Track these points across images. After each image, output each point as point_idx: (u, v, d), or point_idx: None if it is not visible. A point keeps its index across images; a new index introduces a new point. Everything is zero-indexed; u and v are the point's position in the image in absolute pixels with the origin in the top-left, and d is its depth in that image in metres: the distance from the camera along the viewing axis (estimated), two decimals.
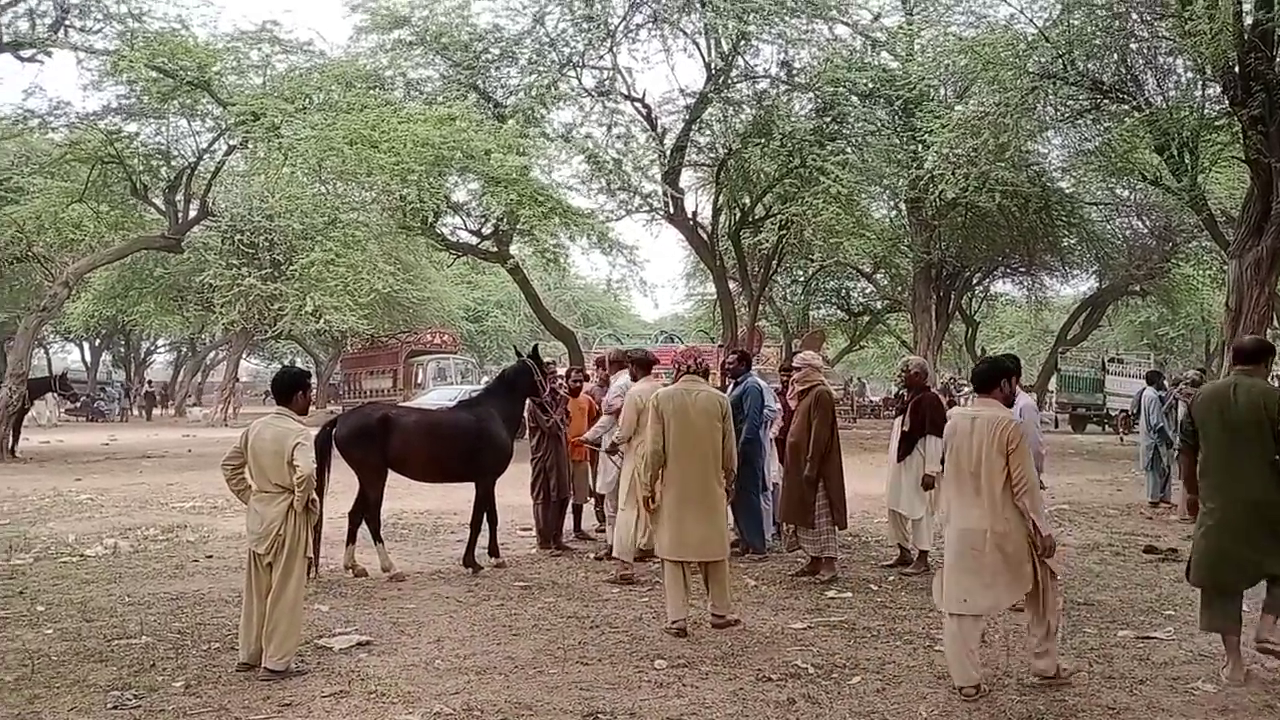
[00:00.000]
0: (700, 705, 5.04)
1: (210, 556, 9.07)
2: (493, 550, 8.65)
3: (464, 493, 8.84)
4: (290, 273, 28.51)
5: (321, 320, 27.84)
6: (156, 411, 41.77)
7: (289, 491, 5.56)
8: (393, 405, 10.28)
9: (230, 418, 35.96)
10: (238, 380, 42.28)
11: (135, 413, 41.40)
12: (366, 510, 8.36)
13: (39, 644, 6.02)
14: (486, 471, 8.55)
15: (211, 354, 47.38)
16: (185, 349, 48.64)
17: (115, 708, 4.93)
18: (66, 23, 18.72)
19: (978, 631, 5.38)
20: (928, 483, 8.53)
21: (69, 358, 52.01)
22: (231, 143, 21.15)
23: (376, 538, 8.27)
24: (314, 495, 5.67)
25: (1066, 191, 24.35)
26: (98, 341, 46.91)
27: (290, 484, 5.54)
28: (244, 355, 42.57)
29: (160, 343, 53.26)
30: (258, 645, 5.52)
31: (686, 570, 6.52)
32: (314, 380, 7.58)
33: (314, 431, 5.83)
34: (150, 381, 47.39)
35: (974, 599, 5.26)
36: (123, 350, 48.94)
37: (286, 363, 68.36)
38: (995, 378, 5.61)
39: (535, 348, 9.48)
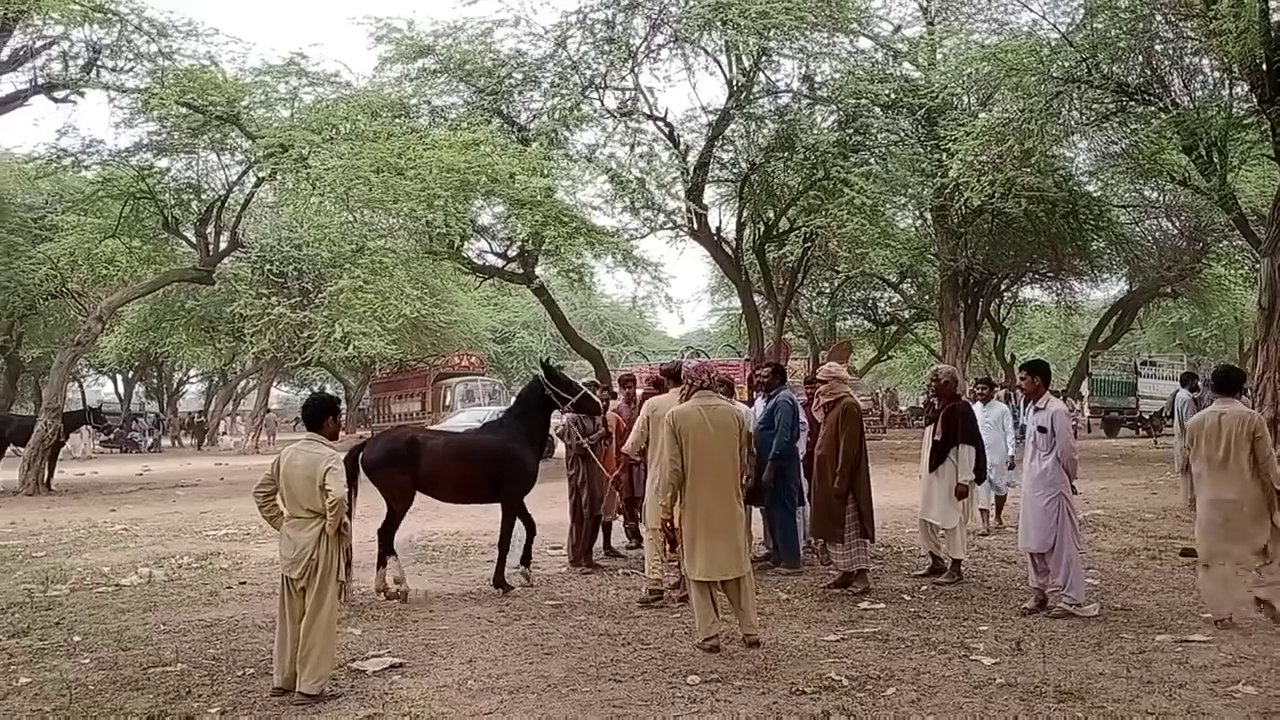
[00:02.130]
0: (734, 719, 5.01)
1: (244, 583, 9.13)
2: (524, 558, 8.66)
3: (494, 514, 8.85)
4: (319, 300, 28.85)
5: (350, 346, 28.08)
6: (188, 441, 42.22)
7: (321, 516, 5.60)
8: (419, 429, 10.33)
9: (263, 445, 36.28)
10: (269, 410, 42.67)
11: (170, 443, 41.84)
12: (389, 531, 8.40)
13: (76, 674, 6.08)
14: (511, 492, 8.59)
15: (243, 383, 47.86)
16: (217, 379, 49.17)
17: None
18: (98, 63, 19.06)
19: (1229, 574, 6.80)
20: (961, 492, 8.46)
21: (102, 390, 52.75)
22: (260, 175, 21.41)
23: (382, 561, 8.25)
24: (346, 519, 5.70)
25: (1094, 195, 24.17)
26: (131, 374, 47.54)
27: (322, 509, 5.58)
28: (274, 383, 42.93)
29: (192, 373, 53.89)
30: (292, 670, 5.54)
31: (714, 588, 6.48)
32: (343, 406, 7.60)
33: (340, 456, 5.85)
34: (199, 413, 47.71)
35: (1225, 550, 6.79)
36: (155, 382, 49.55)
37: (316, 390, 68.96)
38: (1236, 383, 7.23)
39: (545, 361, 9.44)
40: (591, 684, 5.70)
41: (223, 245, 23.08)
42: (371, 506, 8.66)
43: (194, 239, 22.74)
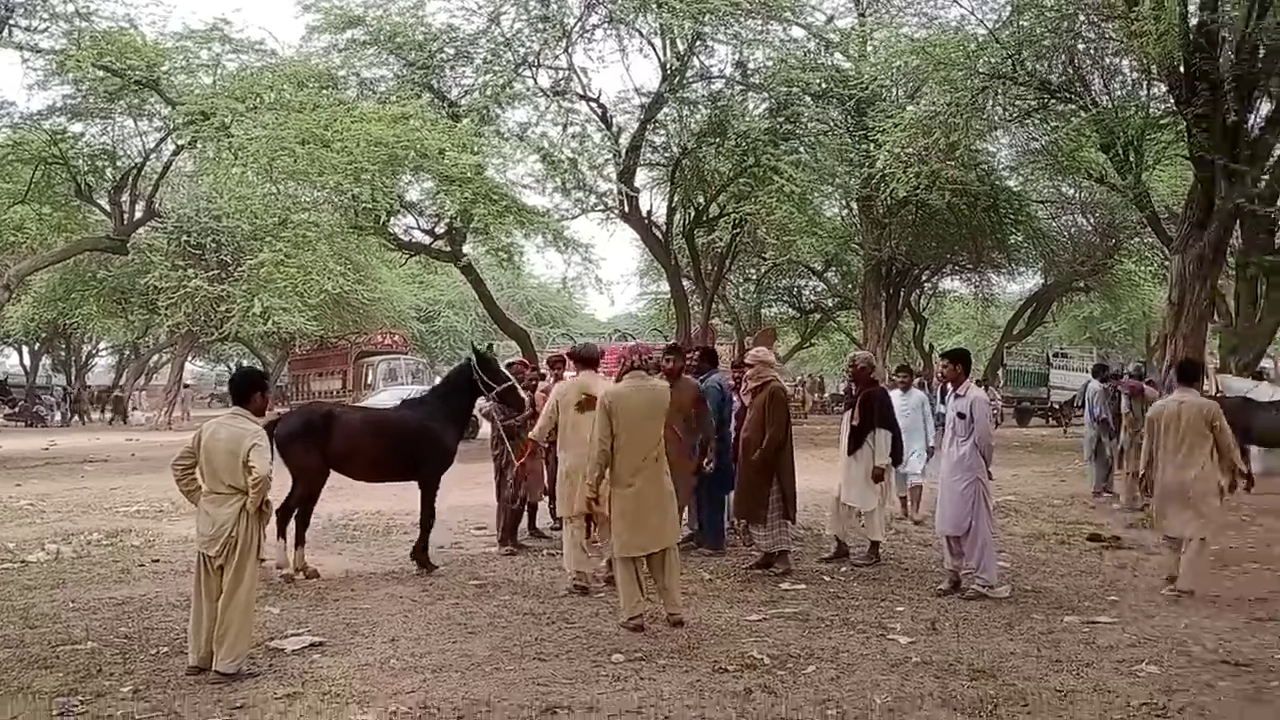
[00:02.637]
0: (658, 697, 5.05)
1: (156, 561, 8.91)
2: (416, 552, 8.38)
3: (415, 493, 8.64)
4: (238, 274, 28.15)
5: (270, 322, 27.53)
6: (98, 416, 40.93)
7: (242, 493, 5.47)
8: (337, 404, 10.07)
9: (177, 421, 35.33)
10: (187, 385, 41.55)
11: (78, 418, 40.50)
12: (291, 508, 8.21)
13: None
14: (429, 471, 8.45)
15: (155, 357, 46.51)
16: (128, 352, 47.70)
17: (61, 714, 4.84)
18: (11, 21, 18.30)
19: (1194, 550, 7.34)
20: (878, 475, 8.63)
21: (8, 362, 50.83)
22: (180, 142, 20.80)
23: (281, 533, 8.07)
24: (268, 498, 5.57)
25: (1014, 190, 24.75)
26: (37, 345, 45.83)
27: (244, 485, 5.45)
28: (189, 358, 41.80)
29: (102, 346, 52.20)
30: (208, 648, 5.43)
31: (640, 567, 6.53)
32: (268, 381, 7.26)
33: (265, 432, 5.71)
34: (119, 387, 46.13)
35: (1179, 527, 7.39)
36: (63, 354, 47.87)
37: (233, 365, 67.26)
38: (1195, 374, 7.83)
39: (490, 346, 9.36)
40: (516, 663, 5.70)
41: (138, 214, 22.41)
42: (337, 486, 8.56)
43: (108, 207, 22.03)
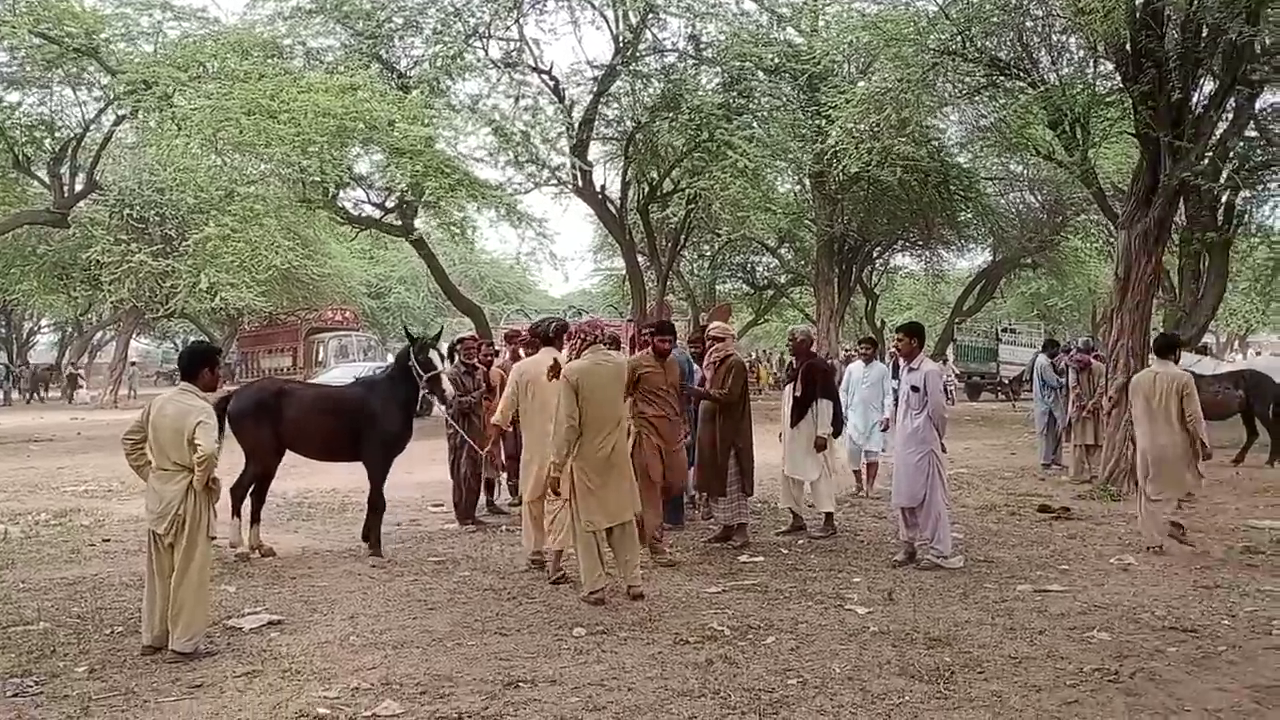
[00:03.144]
0: (620, 670, 5.08)
1: (107, 540, 8.77)
2: (365, 534, 8.23)
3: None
4: (184, 249, 27.56)
5: (217, 298, 27.02)
6: (47, 394, 40.04)
7: (189, 470, 5.38)
8: (290, 381, 9.80)
9: (123, 400, 34.66)
10: (133, 363, 40.73)
11: (23, 397, 39.55)
12: (245, 486, 8.12)
13: None
14: (371, 451, 8.14)
15: (99, 334, 45.52)
16: (71, 329, 46.61)
17: (16, 695, 4.75)
18: None
19: (1168, 510, 8.06)
20: (820, 444, 8.73)
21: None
22: (121, 113, 20.28)
23: (235, 512, 7.94)
24: (215, 475, 5.48)
25: (964, 167, 24.95)
26: None
27: (190, 463, 5.36)
28: (134, 335, 40.94)
29: (44, 323, 50.95)
30: (163, 627, 5.36)
31: (601, 540, 6.56)
32: (220, 357, 6.95)
33: (212, 409, 5.58)
34: (71, 364, 45.10)
35: (1164, 489, 7.98)
36: (3, 331, 46.67)
37: (179, 343, 65.95)
38: (1172, 348, 8.30)
39: (440, 330, 9.07)
40: (477, 638, 5.70)
41: (79, 187, 21.85)
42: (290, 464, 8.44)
43: (47, 179, 21.44)
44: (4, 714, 4.51)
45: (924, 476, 7.48)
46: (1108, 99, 15.81)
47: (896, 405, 8.44)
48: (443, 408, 9.21)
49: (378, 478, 8.12)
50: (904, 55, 15.83)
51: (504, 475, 10.19)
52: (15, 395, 38.78)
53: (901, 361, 7.96)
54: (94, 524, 9.60)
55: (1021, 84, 16.53)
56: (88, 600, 6.60)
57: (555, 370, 6.92)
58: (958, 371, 32.69)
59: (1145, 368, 9.12)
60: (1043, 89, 15.19)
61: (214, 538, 5.68)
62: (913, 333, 7.88)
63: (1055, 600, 6.46)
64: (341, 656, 5.36)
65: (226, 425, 7.88)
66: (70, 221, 23.41)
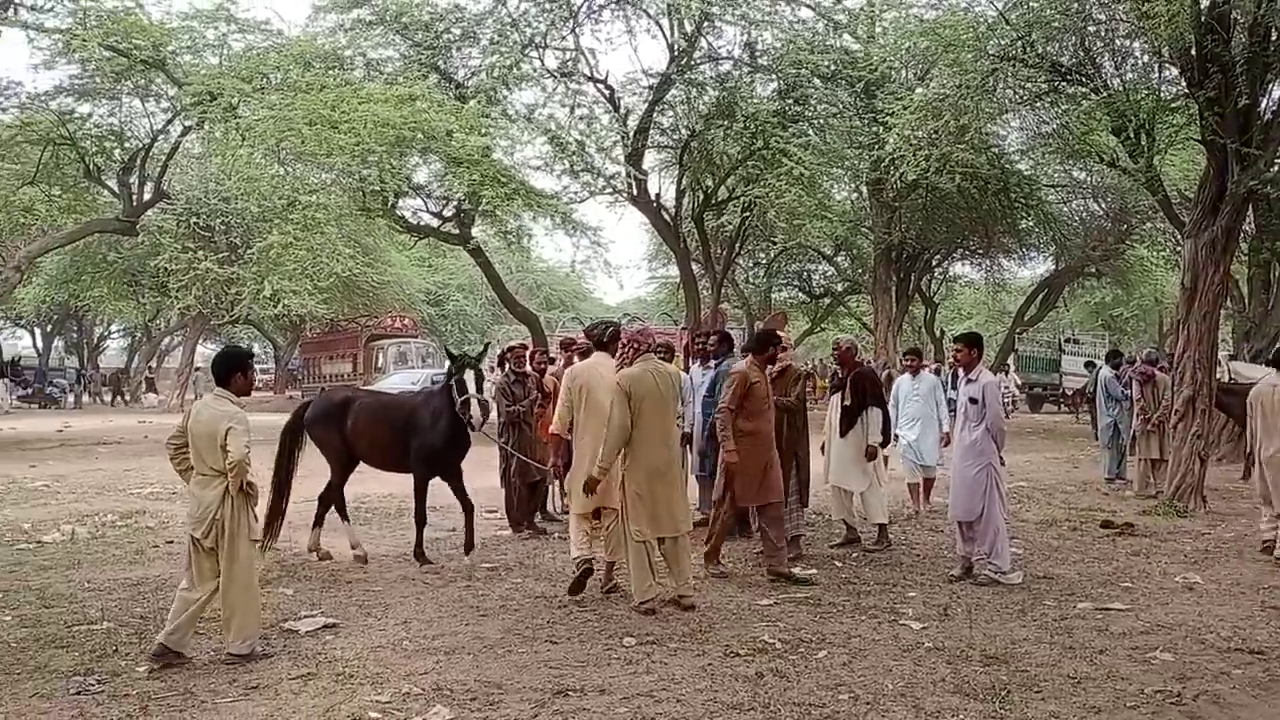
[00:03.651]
0: (670, 680, 5.06)
1: (170, 542, 8.95)
2: (417, 552, 8.09)
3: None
4: (248, 256, 28.15)
5: (280, 304, 27.58)
6: (110, 398, 41.09)
7: (224, 476, 5.41)
8: (359, 389, 9.91)
9: (189, 404, 35.41)
10: (198, 368, 41.63)
11: (91, 399, 40.64)
12: (327, 494, 8.30)
13: None
14: (413, 463, 8.09)
15: (167, 339, 46.62)
16: (140, 334, 47.81)
17: (79, 693, 4.87)
18: (16, 1, 18.25)
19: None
20: (871, 454, 8.62)
21: (20, 344, 50.87)
22: (187, 123, 20.78)
23: (318, 521, 8.26)
24: (250, 479, 5.49)
25: (1025, 174, 24.57)
26: (49, 327, 45.98)
27: (224, 468, 5.39)
28: (200, 340, 41.88)
29: (114, 328, 52.32)
30: (185, 629, 5.41)
31: (652, 550, 6.54)
32: (253, 361, 6.97)
33: (244, 414, 5.51)
34: (148, 368, 46.32)
35: None
36: (75, 336, 48.02)
37: (245, 347, 67.42)
38: None
39: (485, 349, 8.68)
40: (528, 645, 5.72)
41: (147, 196, 22.41)
42: (314, 469, 8.54)
43: (117, 188, 22.03)
44: (67, 711, 4.62)
45: (981, 490, 7.35)
46: (1173, 105, 15.47)
47: (954, 417, 8.31)
48: (497, 411, 9.23)
49: (416, 490, 8.10)
50: (963, 61, 15.66)
51: (558, 482, 10.12)
52: (85, 399, 39.82)
53: (960, 372, 7.84)
54: (158, 526, 9.82)
55: (1084, 89, 16.25)
56: (150, 601, 6.74)
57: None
58: (1019, 382, 32.15)
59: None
60: (1106, 95, 14.93)
61: (256, 540, 5.72)
62: (971, 343, 7.77)
63: (1117, 619, 6.30)
64: (394, 661, 5.41)
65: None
66: (139, 230, 24.03)
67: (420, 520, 8.13)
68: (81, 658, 5.41)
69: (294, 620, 6.18)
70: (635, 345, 6.81)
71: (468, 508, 8.05)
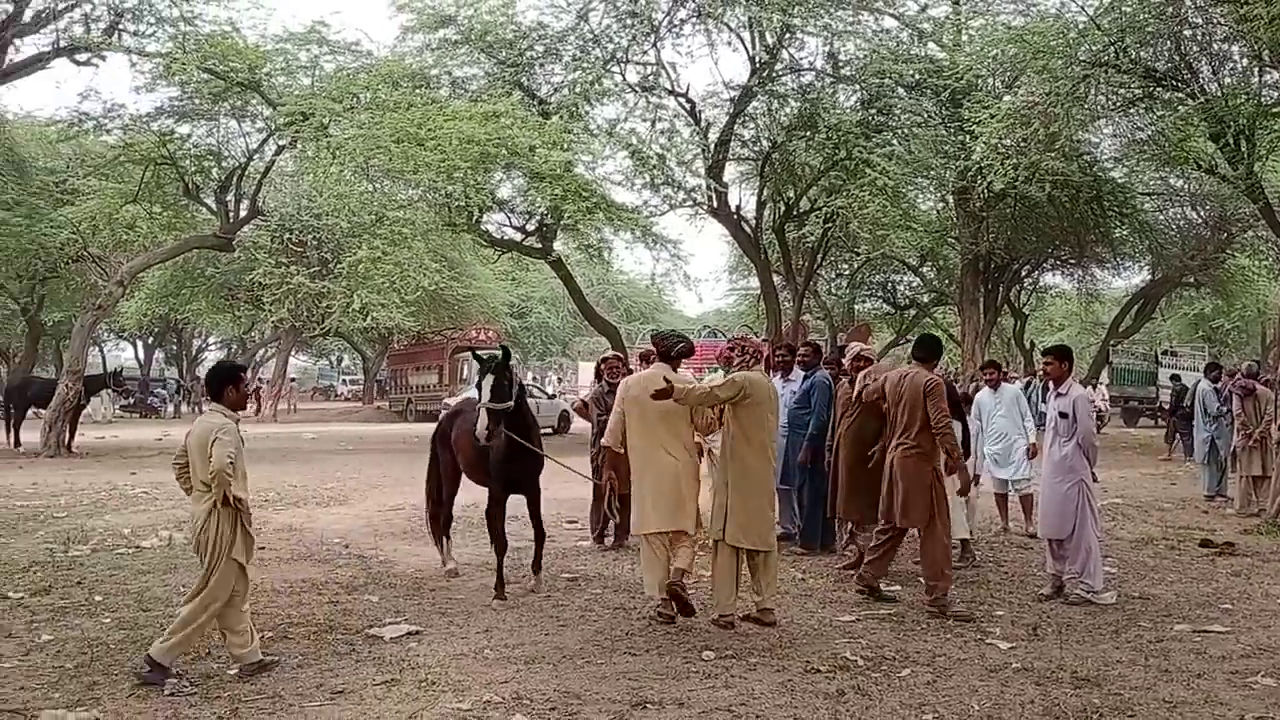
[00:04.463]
0: (749, 696, 5.02)
1: (262, 548, 9.12)
2: (496, 583, 7.36)
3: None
4: (338, 270, 28.85)
5: (369, 317, 28.20)
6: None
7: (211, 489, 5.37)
8: (471, 399, 8.58)
9: (282, 414, 36.46)
10: (291, 379, 42.90)
11: (191, 409, 42.08)
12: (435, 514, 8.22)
13: (97, 632, 6.13)
14: (489, 478, 7.62)
15: (261, 351, 48.10)
16: (236, 346, 49.42)
17: (172, 694, 5.01)
18: (120, 26, 19.04)
19: None
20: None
21: (123, 355, 53.07)
22: (281, 143, 21.41)
23: (443, 534, 8.21)
24: (239, 495, 5.42)
25: (1119, 181, 23.92)
26: (150, 339, 47.82)
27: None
28: (293, 352, 43.13)
29: (211, 340, 54.17)
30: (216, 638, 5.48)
31: (740, 562, 6.48)
32: (245, 374, 6.76)
33: (234, 427, 5.51)
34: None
35: None
36: (175, 348, 49.84)
37: (334, 360, 68.91)
38: None
39: (501, 359, 7.26)
40: (606, 656, 5.73)
41: (243, 213, 23.10)
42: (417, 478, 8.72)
43: (214, 206, 22.77)
44: (161, 712, 4.77)
45: (1073, 507, 7.14)
46: (1274, 110, 14.94)
47: (1043, 430, 8.07)
48: (590, 420, 9.03)
49: (487, 510, 7.66)
50: (1052, 68, 15.40)
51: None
52: (185, 408, 41.24)
53: (1050, 386, 7.63)
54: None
55: (1180, 95, 15.82)
56: None
57: (665, 392, 6.34)
58: (1110, 396, 31.19)
59: None
60: (1203, 100, 14.52)
61: (239, 561, 5.48)
62: (1061, 356, 7.56)
63: (1216, 642, 6.06)
64: (475, 669, 5.47)
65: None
66: (235, 246, 24.80)
67: (495, 545, 7.47)
68: (175, 660, 5.57)
69: (379, 627, 6.29)
70: (743, 352, 6.79)
71: (538, 533, 7.58)
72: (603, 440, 7.42)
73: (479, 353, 7.38)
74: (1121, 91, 16.45)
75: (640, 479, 6.61)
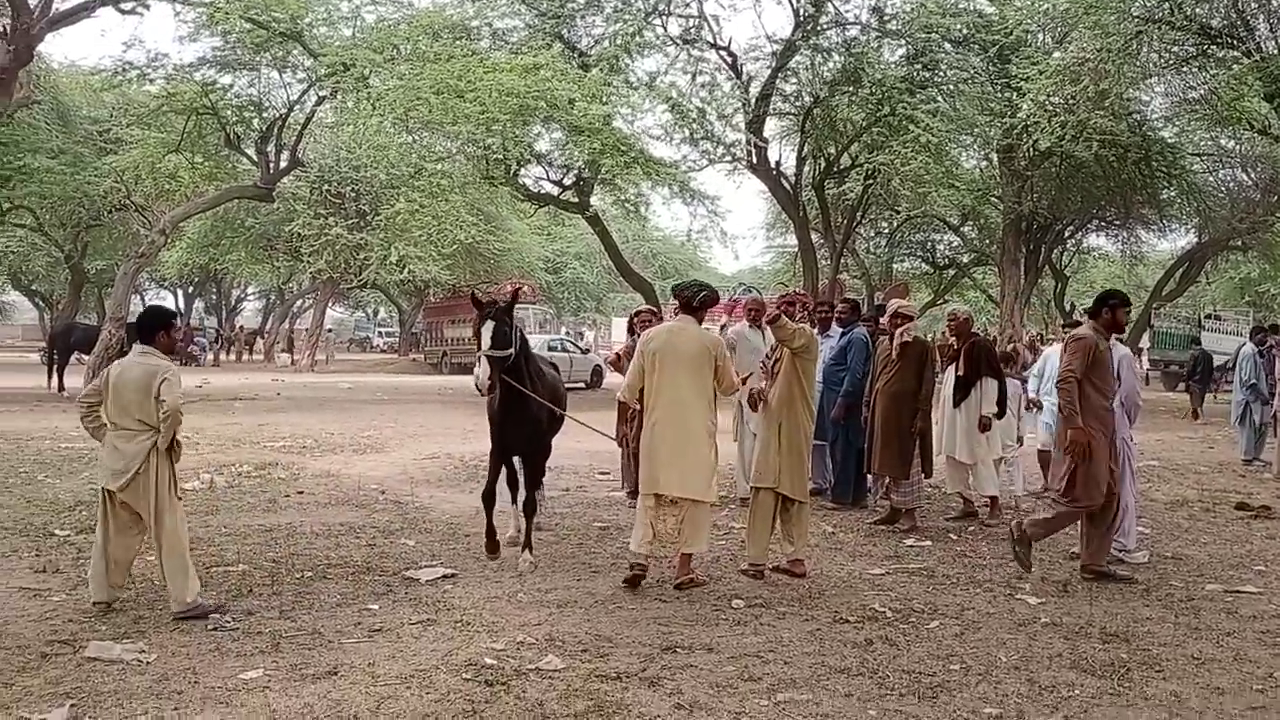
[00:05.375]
0: (777, 643, 5.08)
1: (301, 492, 9.38)
2: (487, 536, 6.93)
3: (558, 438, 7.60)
4: (375, 223, 29.08)
5: (405, 270, 28.44)
6: (247, 356, 43.16)
7: (153, 429, 5.42)
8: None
9: (320, 365, 36.88)
10: (328, 329, 43.32)
11: (233, 357, 42.73)
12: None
13: (142, 569, 6.26)
14: None
15: (299, 302, 48.60)
16: (274, 297, 49.93)
17: (215, 629, 5.16)
18: None
19: None
20: (984, 424, 8.43)
21: (164, 304, 53.79)
22: (321, 94, 21.46)
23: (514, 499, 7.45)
24: (178, 435, 5.51)
25: (1168, 141, 23.40)
26: (190, 288, 48.43)
27: (155, 421, 5.41)
28: (330, 304, 43.52)
29: (250, 290, 54.76)
30: (113, 583, 5.51)
31: (777, 512, 6.52)
32: (176, 321, 6.60)
33: (175, 369, 5.58)
34: (242, 327, 48.83)
35: None
36: (214, 297, 50.46)
37: (370, 311, 69.38)
38: None
39: (508, 305, 6.68)
40: (637, 602, 5.81)
41: (283, 164, 23.24)
42: (473, 429, 8.80)
43: (255, 156, 22.92)
44: (205, 645, 4.92)
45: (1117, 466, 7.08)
46: None
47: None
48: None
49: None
50: (1104, 24, 15.06)
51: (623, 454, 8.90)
52: (225, 356, 41.83)
53: None
54: (289, 477, 10.29)
55: (1235, 53, 15.42)
56: (281, 546, 7.10)
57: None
58: (1151, 360, 30.76)
59: None
60: (1259, 58, 14.14)
61: (180, 498, 5.60)
62: None
63: (1247, 602, 6.04)
64: (509, 612, 5.57)
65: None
66: (274, 197, 25.00)
67: (484, 501, 6.91)
68: (219, 597, 5.73)
69: (415, 570, 6.42)
70: (797, 304, 7.15)
71: (527, 502, 6.92)
72: (618, 395, 6.94)
73: (478, 297, 6.73)
74: (1174, 49, 16.08)
75: (654, 436, 6.12)
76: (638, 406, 6.52)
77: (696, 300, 6.30)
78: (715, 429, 6.28)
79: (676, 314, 6.44)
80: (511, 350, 6.44)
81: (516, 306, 6.83)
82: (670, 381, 6.11)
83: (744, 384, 6.80)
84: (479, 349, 6.40)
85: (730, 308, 12.11)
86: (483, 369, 6.34)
